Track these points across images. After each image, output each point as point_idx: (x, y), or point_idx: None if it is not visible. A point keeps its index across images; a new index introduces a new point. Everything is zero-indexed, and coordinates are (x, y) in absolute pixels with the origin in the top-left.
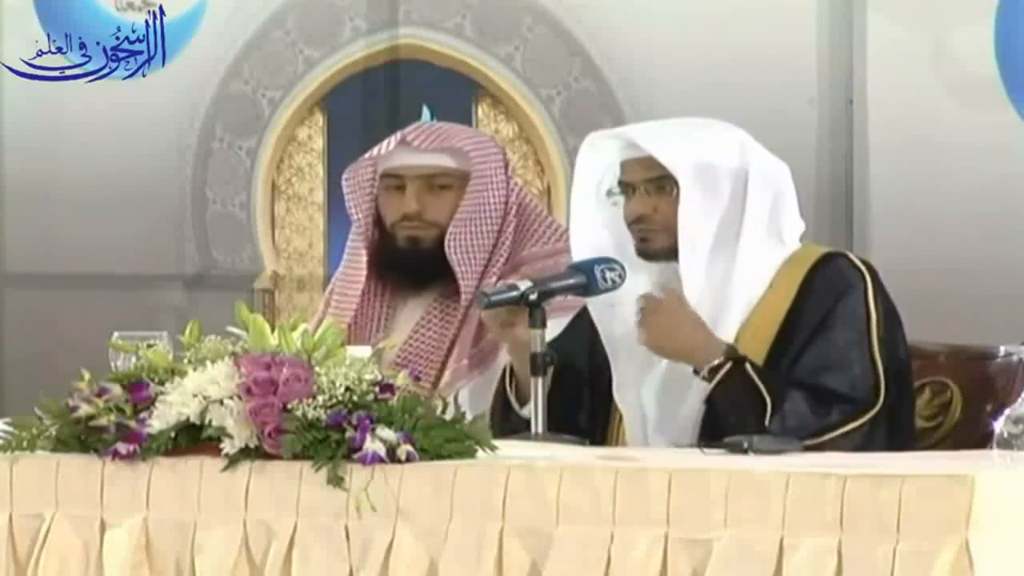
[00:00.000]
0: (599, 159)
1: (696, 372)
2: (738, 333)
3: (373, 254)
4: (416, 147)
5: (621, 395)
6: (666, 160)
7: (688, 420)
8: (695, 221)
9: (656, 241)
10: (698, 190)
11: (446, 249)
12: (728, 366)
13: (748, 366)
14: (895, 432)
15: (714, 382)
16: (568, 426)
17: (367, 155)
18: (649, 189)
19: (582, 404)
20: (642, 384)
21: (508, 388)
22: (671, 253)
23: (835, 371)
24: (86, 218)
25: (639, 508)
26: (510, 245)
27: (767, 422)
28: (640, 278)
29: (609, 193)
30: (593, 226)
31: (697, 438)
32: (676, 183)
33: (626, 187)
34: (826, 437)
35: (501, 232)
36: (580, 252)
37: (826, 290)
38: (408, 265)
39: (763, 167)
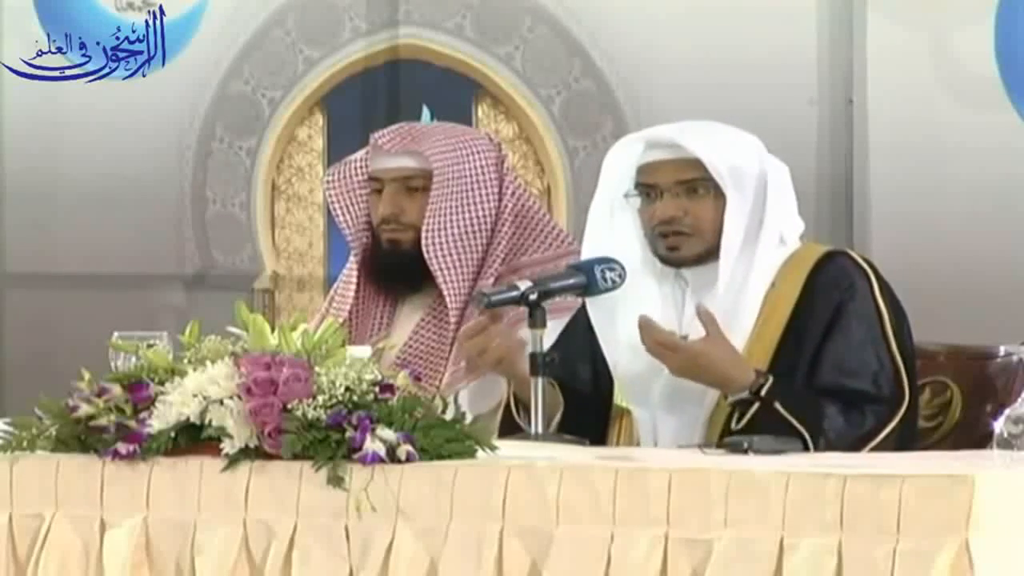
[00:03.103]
0: (621, 163)
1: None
2: (750, 335)
3: (367, 256)
4: (387, 150)
5: (629, 398)
6: (714, 167)
7: (699, 421)
8: (733, 228)
9: (685, 246)
10: (736, 194)
11: (424, 251)
12: (757, 405)
13: (779, 405)
14: (909, 430)
15: (746, 418)
16: (573, 429)
17: (351, 158)
18: (679, 192)
19: (590, 410)
20: (649, 389)
21: (517, 416)
22: (697, 258)
23: (857, 375)
24: (86, 218)
25: (639, 508)
26: (505, 248)
27: (810, 445)
28: (643, 281)
29: (626, 195)
30: (608, 230)
31: (706, 437)
32: (709, 186)
33: (649, 189)
34: (867, 447)
35: (495, 233)
36: (590, 253)
37: (831, 288)
38: (393, 267)
39: (777, 172)
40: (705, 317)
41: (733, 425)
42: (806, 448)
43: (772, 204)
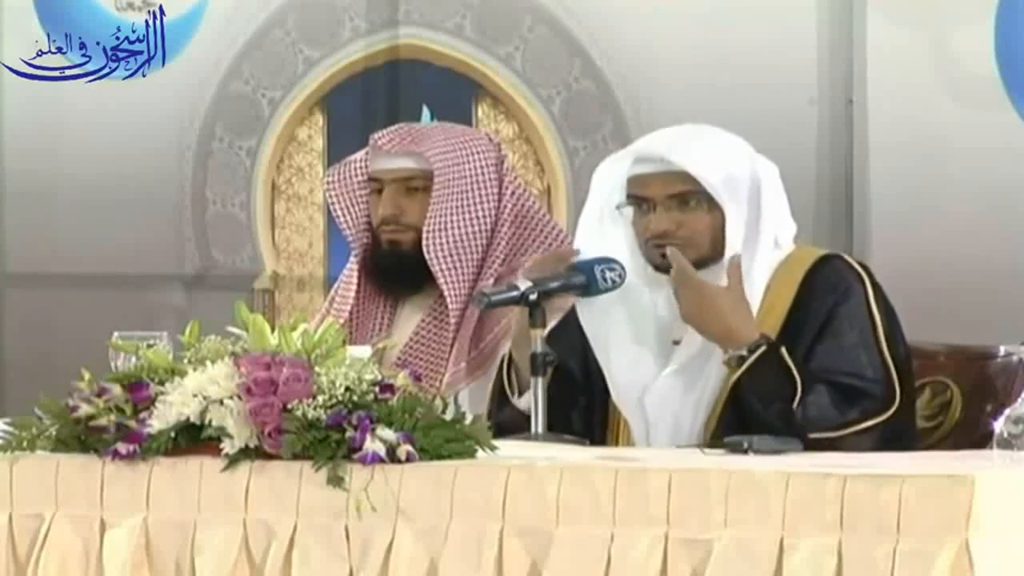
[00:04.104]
0: (612, 175)
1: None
2: None
3: (368, 257)
4: (386, 151)
5: (621, 400)
6: (707, 181)
7: (694, 421)
8: (735, 235)
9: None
10: (732, 206)
11: (424, 252)
12: (759, 351)
13: (784, 351)
14: (900, 431)
15: (741, 370)
16: (562, 427)
17: (351, 158)
18: (671, 205)
19: (575, 405)
20: (643, 395)
21: (506, 380)
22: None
23: (849, 375)
24: (86, 218)
25: (639, 508)
26: (506, 248)
27: (794, 405)
28: (638, 289)
29: (618, 207)
30: (598, 239)
31: (701, 437)
32: (701, 198)
33: (641, 201)
34: (845, 432)
35: (494, 234)
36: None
37: (825, 291)
38: (394, 268)
39: (770, 175)
40: (732, 269)
41: (731, 379)
42: (787, 413)
43: (767, 207)
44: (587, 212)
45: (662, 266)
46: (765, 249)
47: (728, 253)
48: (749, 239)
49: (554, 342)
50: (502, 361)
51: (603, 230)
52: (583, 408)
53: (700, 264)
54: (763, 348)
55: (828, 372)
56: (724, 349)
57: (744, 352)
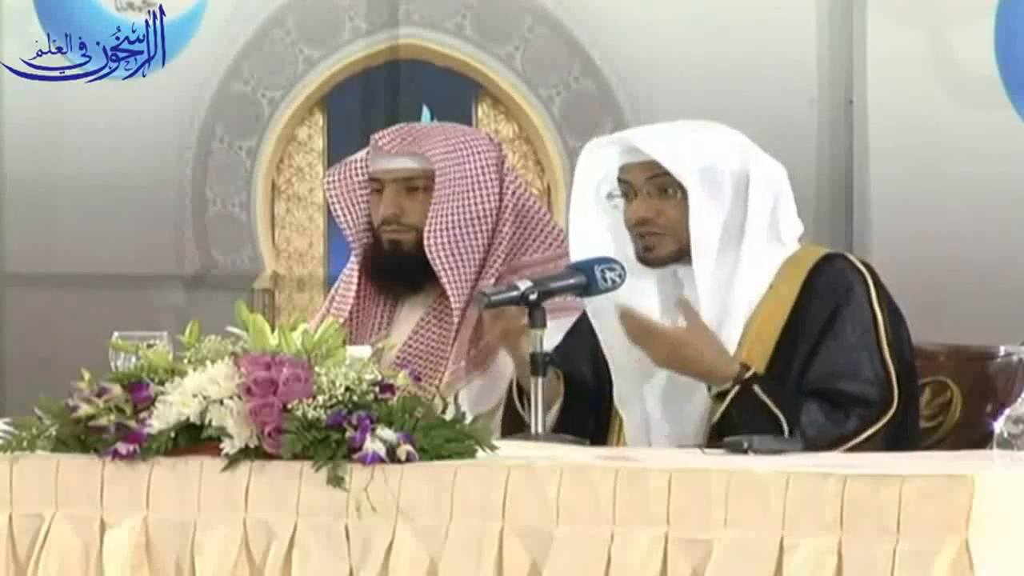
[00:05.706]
0: (599, 164)
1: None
2: (741, 336)
3: (369, 257)
4: (387, 151)
5: (622, 401)
6: (670, 165)
7: (693, 423)
8: (704, 225)
9: (660, 246)
10: (704, 194)
11: (426, 252)
12: (737, 389)
13: (758, 388)
14: (900, 432)
15: (724, 404)
16: (578, 431)
17: (351, 158)
18: (651, 191)
19: (589, 409)
20: (644, 389)
21: (519, 406)
22: (674, 257)
23: (848, 377)
24: (86, 218)
25: (639, 508)
26: (507, 248)
27: (787, 431)
28: (640, 283)
29: (609, 196)
30: (592, 230)
31: (702, 440)
32: (679, 186)
33: (627, 189)
34: (847, 445)
35: (495, 233)
36: (579, 256)
37: (828, 291)
38: (394, 268)
39: (763, 169)
40: (684, 307)
41: (713, 418)
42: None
43: (755, 202)
44: (578, 199)
45: (644, 258)
46: (753, 243)
47: (693, 239)
48: (730, 232)
49: (567, 349)
50: (509, 387)
51: (602, 218)
52: (594, 416)
53: (681, 254)
54: (740, 386)
55: (827, 378)
56: (708, 387)
57: (729, 386)
